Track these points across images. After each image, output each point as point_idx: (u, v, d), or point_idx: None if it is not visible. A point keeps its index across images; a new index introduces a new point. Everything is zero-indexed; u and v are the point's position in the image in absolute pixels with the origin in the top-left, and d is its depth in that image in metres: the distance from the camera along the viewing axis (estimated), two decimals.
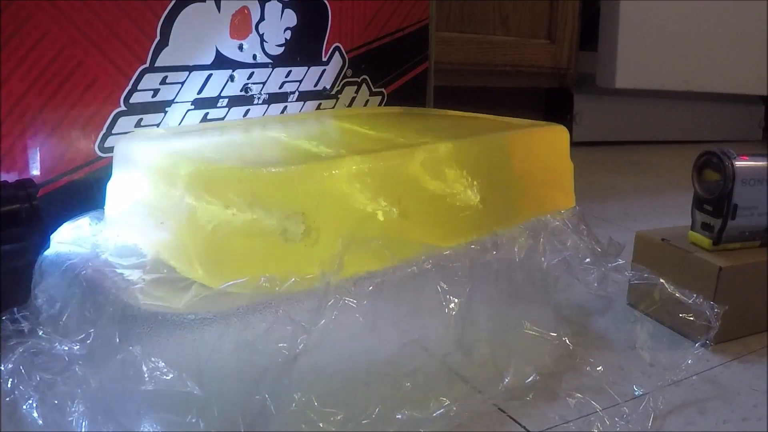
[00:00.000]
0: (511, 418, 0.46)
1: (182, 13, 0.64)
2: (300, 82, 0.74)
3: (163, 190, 0.47)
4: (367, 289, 0.43)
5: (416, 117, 0.76)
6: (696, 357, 0.54)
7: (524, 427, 0.45)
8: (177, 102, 0.66)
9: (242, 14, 0.68)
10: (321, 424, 0.40)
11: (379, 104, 0.82)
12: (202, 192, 0.44)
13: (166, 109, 0.65)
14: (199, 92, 0.67)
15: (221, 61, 0.67)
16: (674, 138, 1.67)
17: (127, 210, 0.52)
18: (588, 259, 0.54)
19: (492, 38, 1.38)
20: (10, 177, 0.57)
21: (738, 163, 0.58)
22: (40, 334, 0.43)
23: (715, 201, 0.60)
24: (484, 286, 0.49)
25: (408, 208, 0.48)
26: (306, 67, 0.74)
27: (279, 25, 0.71)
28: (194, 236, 0.44)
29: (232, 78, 0.69)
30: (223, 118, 0.69)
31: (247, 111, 0.71)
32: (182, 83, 0.65)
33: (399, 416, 0.42)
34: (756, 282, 0.59)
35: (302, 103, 0.75)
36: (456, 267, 0.47)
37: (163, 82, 0.64)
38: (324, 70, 0.76)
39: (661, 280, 0.54)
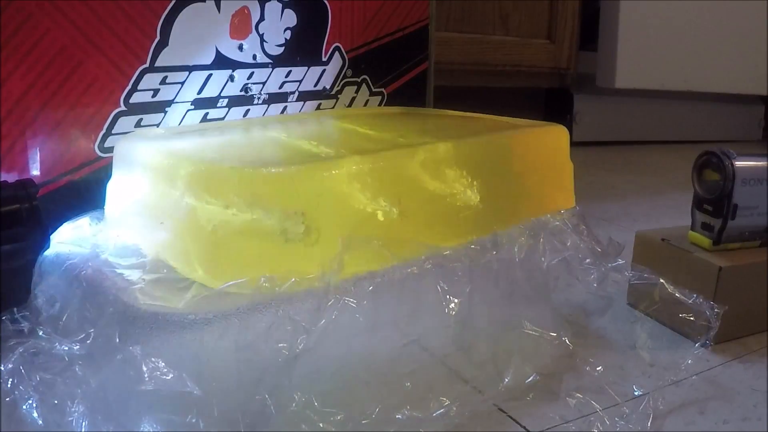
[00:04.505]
0: (511, 418, 0.46)
1: (182, 13, 0.64)
2: (300, 82, 0.74)
3: (163, 190, 0.47)
4: (367, 289, 0.43)
5: (416, 117, 0.76)
6: (696, 357, 0.54)
7: (524, 427, 0.45)
8: (177, 102, 0.66)
9: (242, 14, 0.68)
10: (321, 424, 0.40)
11: (379, 104, 0.82)
12: (202, 192, 0.44)
13: (166, 109, 0.65)
14: (199, 92, 0.67)
15: (221, 61, 0.67)
16: (674, 138, 1.67)
17: (127, 210, 0.52)
18: (588, 259, 0.54)
19: (492, 38, 1.38)
20: (10, 177, 0.57)
21: (738, 163, 0.58)
22: (40, 334, 0.43)
23: (715, 201, 0.60)
24: (484, 286, 0.48)
25: (408, 208, 0.48)
26: (306, 67, 0.74)
27: (279, 25, 0.71)
28: (194, 236, 0.44)
29: (232, 78, 0.69)
30: (223, 118, 0.69)
31: (247, 111, 0.71)
32: (182, 83, 0.65)
33: (399, 416, 0.42)
34: (756, 282, 0.59)
35: (302, 103, 0.75)
36: (456, 267, 0.47)
37: (163, 82, 0.64)
38: (324, 70, 0.76)
39: (661, 280, 0.54)
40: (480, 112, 0.72)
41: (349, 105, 0.79)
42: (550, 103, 1.63)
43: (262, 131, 0.63)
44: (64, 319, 0.44)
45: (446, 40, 1.29)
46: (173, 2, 0.63)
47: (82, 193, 0.61)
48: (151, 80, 0.63)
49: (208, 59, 0.67)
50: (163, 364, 0.37)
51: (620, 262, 0.55)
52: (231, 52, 0.68)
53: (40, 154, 0.59)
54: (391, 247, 0.45)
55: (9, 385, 0.40)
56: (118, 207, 0.53)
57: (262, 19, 0.70)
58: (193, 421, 0.38)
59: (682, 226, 0.64)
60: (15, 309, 0.45)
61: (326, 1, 0.74)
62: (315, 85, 0.76)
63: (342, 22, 0.76)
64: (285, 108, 0.74)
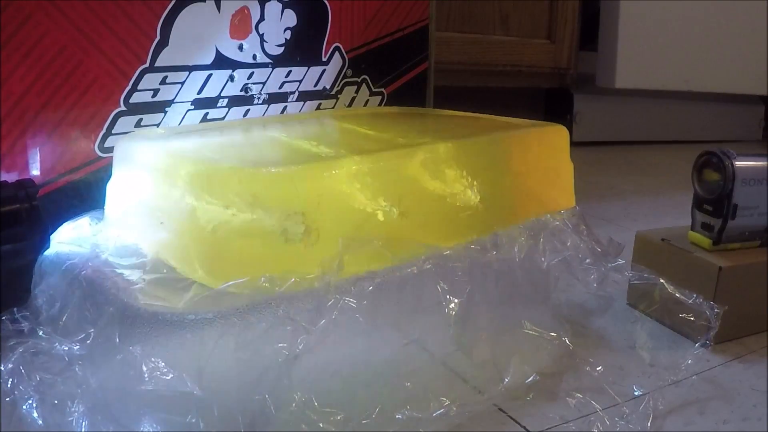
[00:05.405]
0: (511, 418, 0.46)
1: (182, 13, 0.64)
2: (300, 82, 0.74)
3: (163, 190, 0.47)
4: (367, 289, 0.43)
5: (416, 117, 0.76)
6: (696, 357, 0.54)
7: (524, 427, 0.45)
8: (177, 102, 0.66)
9: (242, 14, 0.68)
10: (321, 424, 0.40)
11: (379, 104, 0.82)
12: (202, 192, 0.44)
13: (166, 109, 0.65)
14: (199, 92, 0.67)
15: (221, 61, 0.67)
16: (674, 138, 1.67)
17: (127, 210, 0.52)
18: (588, 259, 0.54)
19: (492, 38, 1.38)
20: (10, 177, 0.57)
21: (738, 163, 0.58)
22: (40, 334, 0.43)
23: (715, 201, 0.60)
24: (484, 286, 0.48)
25: (408, 208, 0.48)
26: (306, 67, 0.74)
27: (279, 25, 0.71)
28: (194, 236, 0.44)
29: (232, 78, 0.69)
30: (223, 118, 0.69)
31: (247, 111, 0.71)
32: (182, 83, 0.65)
33: (399, 416, 0.42)
34: (756, 282, 0.59)
35: (302, 103, 0.75)
36: (456, 267, 0.47)
37: (163, 82, 0.64)
38: (324, 70, 0.76)
39: (661, 280, 0.54)
40: (480, 112, 0.72)
41: (349, 105, 0.79)
42: (550, 103, 1.63)
43: (262, 131, 0.63)
44: (64, 319, 0.44)
45: (446, 40, 1.29)
46: (173, 2, 0.63)
47: (82, 193, 0.61)
48: (151, 80, 0.63)
49: (208, 59, 0.67)
50: (163, 364, 0.37)
51: (620, 262, 0.55)
52: (231, 52, 0.68)
53: (40, 154, 0.59)
54: (391, 247, 0.45)
55: (9, 385, 0.40)
56: (118, 207, 0.53)
57: (262, 19, 0.70)
58: (193, 421, 0.38)
59: (682, 226, 0.64)
60: (15, 309, 0.45)
61: (326, 1, 0.74)
62: (315, 85, 0.76)
63: (342, 22, 0.76)
64: (285, 108, 0.74)
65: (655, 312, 0.60)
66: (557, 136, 0.62)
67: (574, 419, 0.46)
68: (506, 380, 0.48)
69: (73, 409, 0.39)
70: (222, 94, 0.69)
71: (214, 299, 0.41)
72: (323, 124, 0.70)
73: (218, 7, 0.66)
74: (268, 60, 0.71)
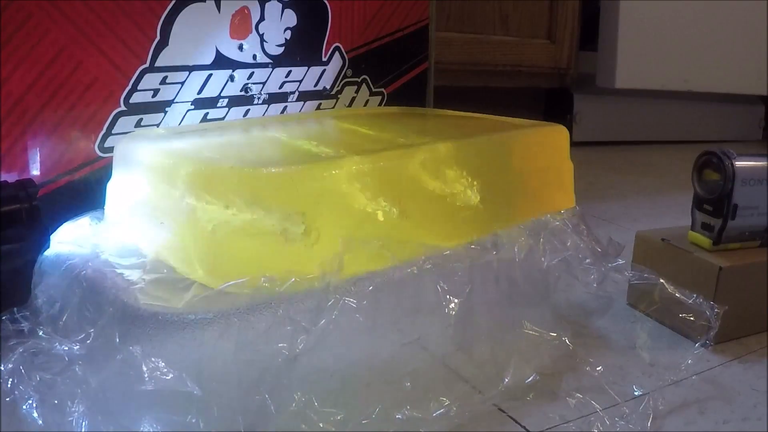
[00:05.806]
0: (511, 418, 0.46)
1: (182, 13, 0.64)
2: (300, 82, 0.74)
3: (163, 190, 0.47)
4: (367, 289, 0.43)
5: (416, 117, 0.76)
6: (696, 357, 0.54)
7: (524, 427, 0.45)
8: (177, 102, 0.66)
9: (242, 14, 0.68)
10: (321, 424, 0.40)
11: (379, 104, 0.82)
12: (202, 192, 0.44)
13: (166, 109, 0.65)
14: (199, 92, 0.67)
15: (221, 61, 0.67)
16: (674, 138, 1.67)
17: (127, 210, 0.52)
18: (588, 259, 0.54)
19: (492, 38, 1.38)
20: (10, 177, 0.57)
21: (738, 163, 0.58)
22: (40, 334, 0.43)
23: (715, 201, 0.60)
24: (484, 286, 0.48)
25: (408, 208, 0.48)
26: (306, 67, 0.74)
27: (279, 25, 0.71)
28: (194, 236, 0.44)
29: (232, 78, 0.69)
30: (223, 118, 0.69)
31: (247, 111, 0.71)
32: (182, 83, 0.65)
33: (399, 416, 0.42)
34: (756, 282, 0.59)
35: (302, 103, 0.75)
36: (456, 267, 0.47)
37: (163, 82, 0.64)
38: (324, 70, 0.76)
39: (661, 280, 0.54)
40: (480, 112, 0.72)
41: (349, 105, 0.79)
42: (550, 103, 1.63)
43: (262, 131, 0.63)
44: (64, 319, 0.44)
45: (446, 40, 1.29)
46: (173, 2, 0.63)
47: (82, 193, 0.61)
48: (151, 80, 0.63)
49: (208, 59, 0.67)
50: (163, 364, 0.37)
51: (620, 262, 0.55)
52: (231, 52, 0.68)
53: (40, 154, 0.59)
54: (391, 248, 0.45)
55: (9, 385, 0.40)
56: (118, 207, 0.53)
57: (262, 19, 0.70)
58: (193, 421, 0.38)
59: (682, 226, 0.64)
60: (15, 309, 0.45)
61: (326, 1, 0.74)
62: (315, 85, 0.76)
63: (342, 22, 0.76)
64: (285, 108, 0.74)
65: (655, 312, 0.60)
66: (557, 136, 0.62)
67: (574, 419, 0.46)
68: (506, 380, 0.48)
69: (73, 409, 0.39)
70: (222, 94, 0.69)
71: (214, 299, 0.41)
72: (323, 124, 0.70)
73: (218, 7, 0.66)
74: (268, 60, 0.71)
